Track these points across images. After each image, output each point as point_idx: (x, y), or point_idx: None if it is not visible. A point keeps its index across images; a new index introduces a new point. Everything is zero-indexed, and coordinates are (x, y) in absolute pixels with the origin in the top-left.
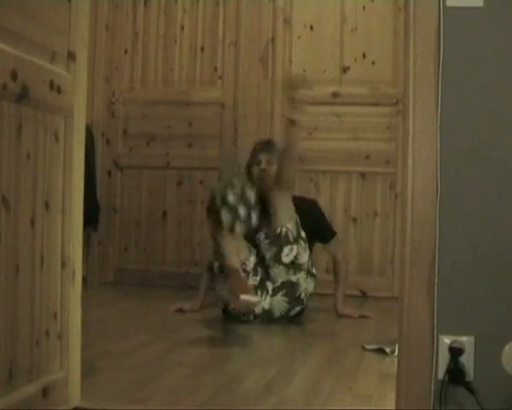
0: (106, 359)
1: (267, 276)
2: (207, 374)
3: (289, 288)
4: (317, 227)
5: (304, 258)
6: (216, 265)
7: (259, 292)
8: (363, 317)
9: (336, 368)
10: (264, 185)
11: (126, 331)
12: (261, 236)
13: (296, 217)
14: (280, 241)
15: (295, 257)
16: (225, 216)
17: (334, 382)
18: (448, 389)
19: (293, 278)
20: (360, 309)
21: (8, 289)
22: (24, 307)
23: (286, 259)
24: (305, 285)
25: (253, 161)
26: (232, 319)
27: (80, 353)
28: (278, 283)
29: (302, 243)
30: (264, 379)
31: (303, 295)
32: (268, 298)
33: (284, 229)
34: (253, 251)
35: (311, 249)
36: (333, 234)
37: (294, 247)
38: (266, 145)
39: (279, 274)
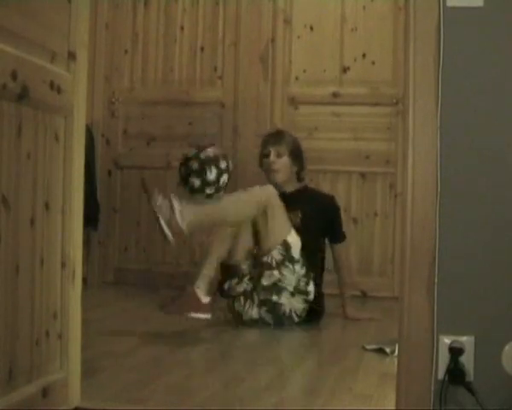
0: (106, 359)
1: (255, 286)
2: (207, 374)
3: (271, 307)
4: (330, 225)
5: (289, 280)
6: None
7: (248, 301)
8: (371, 319)
9: (336, 368)
10: (274, 179)
11: (126, 331)
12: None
13: (286, 237)
14: (262, 266)
15: (279, 280)
16: (195, 182)
17: (334, 382)
18: (448, 389)
19: (274, 298)
20: (367, 312)
21: (8, 289)
22: (24, 307)
23: (265, 282)
24: (290, 305)
25: (263, 152)
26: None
27: (80, 353)
28: (261, 298)
29: (290, 265)
30: (264, 379)
31: (288, 312)
32: (255, 308)
33: (269, 257)
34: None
35: (320, 248)
36: (343, 237)
37: (275, 272)
38: (275, 136)
39: (260, 292)
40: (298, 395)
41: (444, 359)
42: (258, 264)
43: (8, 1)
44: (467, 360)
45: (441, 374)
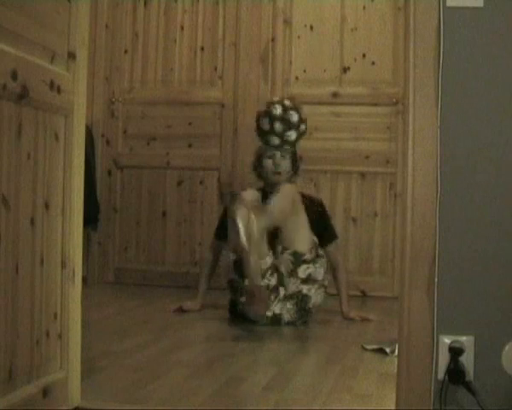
0: (106, 359)
1: (280, 281)
2: (207, 374)
3: (300, 299)
4: (320, 228)
5: (320, 275)
6: (238, 282)
7: (272, 296)
8: (365, 320)
9: (336, 368)
10: (276, 181)
11: (126, 331)
12: (279, 248)
13: (314, 240)
14: (297, 261)
15: (310, 274)
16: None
17: (334, 381)
18: (448, 389)
19: (305, 290)
20: (364, 312)
21: (8, 289)
22: (24, 307)
23: (302, 274)
24: (315, 298)
25: (265, 153)
26: (239, 318)
27: (80, 353)
28: (290, 291)
29: (319, 260)
30: (263, 379)
31: (311, 306)
32: (279, 303)
33: (309, 256)
34: (270, 252)
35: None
36: (334, 237)
37: (311, 266)
38: None
39: (292, 284)
40: (298, 394)
41: (444, 359)
42: (293, 259)
43: (9, 1)
44: (467, 359)
45: (441, 374)
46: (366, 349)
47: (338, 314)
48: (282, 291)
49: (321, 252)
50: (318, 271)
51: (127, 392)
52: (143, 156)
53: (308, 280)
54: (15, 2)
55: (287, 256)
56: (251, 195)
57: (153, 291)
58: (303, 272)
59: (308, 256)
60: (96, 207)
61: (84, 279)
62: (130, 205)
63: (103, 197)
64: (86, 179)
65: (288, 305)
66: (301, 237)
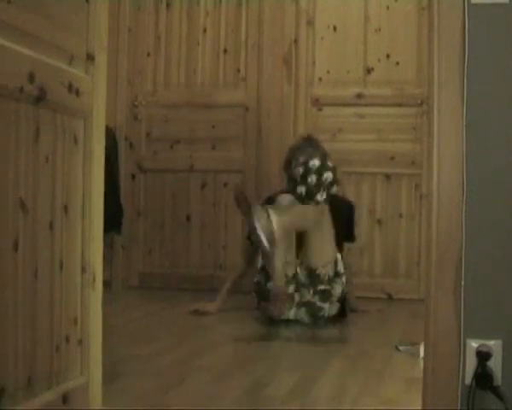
0: (129, 363)
1: (297, 288)
2: (231, 379)
3: (312, 308)
4: (342, 227)
5: (336, 292)
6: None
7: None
8: (380, 311)
9: (362, 372)
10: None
11: (150, 335)
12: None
13: (337, 257)
14: (314, 278)
15: (327, 290)
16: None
17: (360, 386)
18: (475, 394)
19: (319, 303)
20: (382, 309)
21: (28, 294)
22: (43, 313)
23: (319, 287)
24: (329, 310)
25: (300, 160)
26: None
27: (101, 358)
28: (304, 299)
29: (337, 279)
30: (288, 384)
31: (325, 315)
32: (293, 308)
33: (323, 271)
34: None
35: (340, 251)
36: (350, 240)
37: (328, 286)
38: (308, 142)
39: (306, 294)
40: (322, 399)
41: (471, 363)
42: (310, 275)
43: (26, 2)
44: (494, 364)
45: (468, 379)
46: (399, 350)
47: (363, 316)
48: (296, 298)
49: (342, 271)
50: (335, 288)
51: (149, 397)
52: (167, 159)
53: (324, 294)
54: (32, 4)
55: (302, 272)
56: (286, 200)
57: (177, 295)
58: (320, 286)
59: (323, 273)
60: (120, 211)
61: (109, 284)
62: (153, 209)
63: (127, 201)
64: (110, 183)
65: (302, 313)
66: (321, 252)
